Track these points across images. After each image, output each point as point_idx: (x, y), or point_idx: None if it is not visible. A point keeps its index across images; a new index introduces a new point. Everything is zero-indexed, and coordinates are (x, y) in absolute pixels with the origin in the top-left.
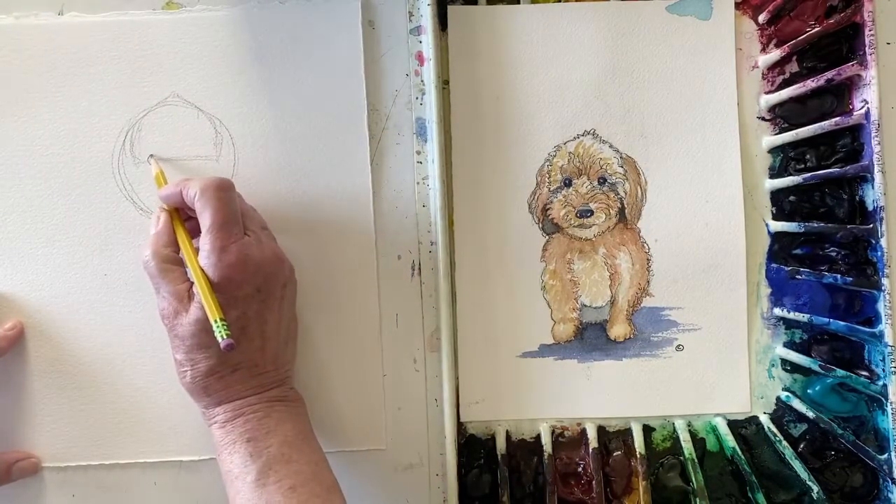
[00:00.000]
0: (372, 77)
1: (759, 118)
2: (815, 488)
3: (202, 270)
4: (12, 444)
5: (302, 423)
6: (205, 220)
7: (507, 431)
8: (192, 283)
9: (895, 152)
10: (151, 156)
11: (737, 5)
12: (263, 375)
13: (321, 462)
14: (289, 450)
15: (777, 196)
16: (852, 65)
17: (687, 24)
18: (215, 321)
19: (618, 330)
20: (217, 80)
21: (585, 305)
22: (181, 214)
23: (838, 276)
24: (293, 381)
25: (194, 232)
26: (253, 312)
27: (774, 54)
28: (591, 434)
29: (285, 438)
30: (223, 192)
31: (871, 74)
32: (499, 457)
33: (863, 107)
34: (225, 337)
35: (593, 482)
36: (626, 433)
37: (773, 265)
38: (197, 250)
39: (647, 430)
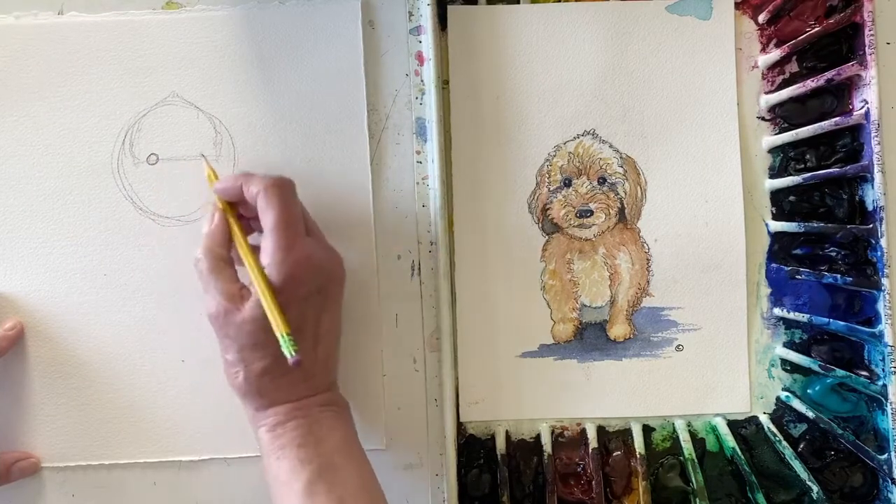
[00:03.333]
0: (372, 77)
1: (759, 118)
2: (815, 488)
3: (264, 276)
4: (12, 444)
5: (350, 430)
6: (268, 218)
7: (507, 431)
8: (243, 285)
9: (895, 152)
10: (203, 155)
11: (737, 5)
12: (314, 378)
13: (368, 472)
14: (339, 458)
15: (777, 196)
16: (852, 65)
17: (687, 24)
18: (282, 336)
19: (618, 330)
20: (217, 80)
21: (585, 305)
22: (234, 212)
23: (838, 276)
24: (338, 386)
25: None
26: (311, 314)
27: (774, 54)
28: (591, 434)
29: (335, 446)
30: (287, 190)
31: (871, 74)
32: (499, 457)
33: (863, 107)
34: (294, 353)
35: (593, 482)
36: (625, 433)
37: (773, 265)
38: (254, 249)
39: (647, 430)
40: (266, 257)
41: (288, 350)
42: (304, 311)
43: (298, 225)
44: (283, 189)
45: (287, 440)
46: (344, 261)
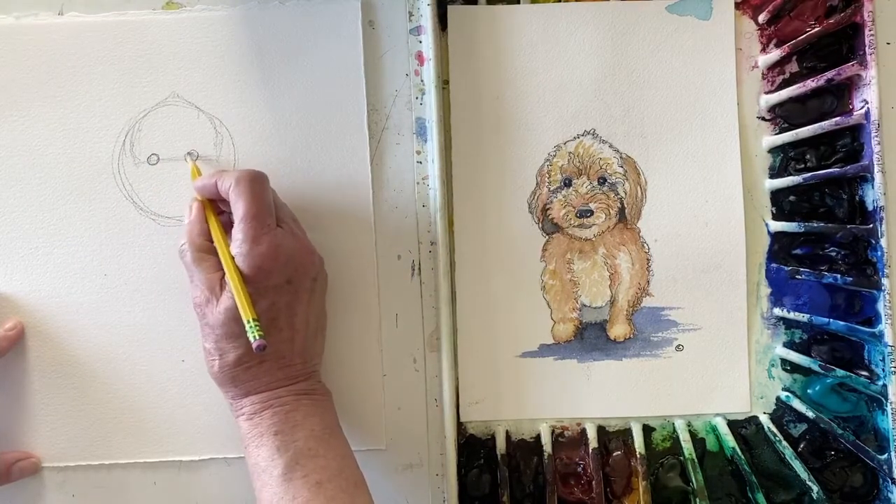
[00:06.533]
0: (372, 77)
1: (759, 118)
2: (815, 488)
3: (234, 265)
4: (12, 444)
5: (329, 417)
6: (238, 210)
7: (507, 431)
8: (223, 275)
9: (895, 152)
10: (188, 154)
11: (737, 5)
12: (291, 367)
13: (348, 457)
14: (316, 444)
15: (777, 196)
16: (852, 65)
17: (687, 24)
18: (248, 321)
19: (618, 330)
20: (217, 80)
21: (585, 305)
22: (214, 207)
23: (838, 276)
24: (320, 375)
25: (226, 227)
26: (283, 304)
27: (774, 54)
28: (591, 434)
29: (312, 432)
30: (257, 183)
31: (871, 74)
32: (499, 457)
33: (863, 107)
34: (257, 337)
35: (593, 482)
36: (626, 433)
37: (773, 265)
38: (229, 242)
39: (647, 430)
40: (235, 247)
41: (252, 335)
42: (275, 301)
43: (267, 216)
44: (252, 182)
45: (264, 428)
46: (344, 261)
